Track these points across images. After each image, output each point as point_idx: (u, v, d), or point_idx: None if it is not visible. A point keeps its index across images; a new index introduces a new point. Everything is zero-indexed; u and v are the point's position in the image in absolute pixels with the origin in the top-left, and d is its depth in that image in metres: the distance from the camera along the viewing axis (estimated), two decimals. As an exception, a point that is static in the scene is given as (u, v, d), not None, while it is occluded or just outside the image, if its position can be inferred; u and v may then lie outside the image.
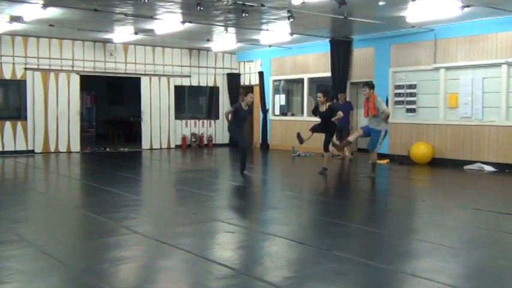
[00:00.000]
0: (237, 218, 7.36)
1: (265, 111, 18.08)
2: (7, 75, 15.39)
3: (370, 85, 10.52)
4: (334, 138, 11.73)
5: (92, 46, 16.59)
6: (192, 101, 19.35)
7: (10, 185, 10.59)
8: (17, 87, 15.76)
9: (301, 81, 17.25)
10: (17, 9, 11.53)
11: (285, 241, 5.80)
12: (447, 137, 12.93)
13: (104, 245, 5.69)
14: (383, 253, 5.43)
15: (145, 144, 17.66)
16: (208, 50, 18.38)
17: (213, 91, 19.27)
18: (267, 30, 13.53)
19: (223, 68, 19.25)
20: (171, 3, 10.77)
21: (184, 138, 18.44)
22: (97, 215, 7.08)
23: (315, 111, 11.39)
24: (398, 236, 6.20)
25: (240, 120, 10.75)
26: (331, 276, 4.66)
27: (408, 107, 13.80)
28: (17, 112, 15.97)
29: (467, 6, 10.42)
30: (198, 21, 12.26)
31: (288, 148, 16.48)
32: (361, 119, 14.17)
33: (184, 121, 18.61)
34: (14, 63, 15.43)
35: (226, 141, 18.53)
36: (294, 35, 14.29)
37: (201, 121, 19.02)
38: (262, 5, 10.50)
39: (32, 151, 15.66)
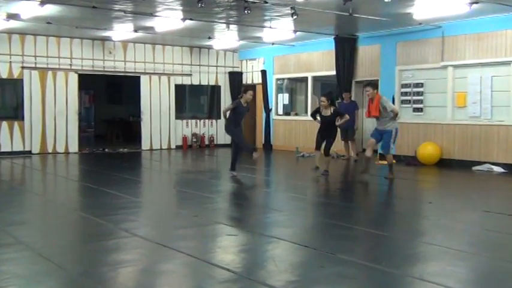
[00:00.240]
0: (239, 221, 7.36)
1: (268, 110, 18.08)
2: (4, 74, 15.42)
3: (373, 85, 10.50)
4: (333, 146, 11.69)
5: (90, 44, 16.61)
6: (193, 100, 19.36)
7: (7, 187, 10.60)
8: (14, 86, 15.79)
9: (305, 80, 17.24)
10: (14, 7, 11.56)
11: (289, 244, 5.80)
12: (455, 137, 12.91)
13: (102, 248, 5.69)
14: (390, 256, 5.41)
15: (145, 144, 17.68)
16: (209, 47, 18.39)
17: (215, 90, 19.28)
18: (270, 27, 13.52)
19: (225, 67, 19.26)
20: (171, 0, 10.78)
21: (185, 138, 18.45)
22: (96, 217, 7.08)
23: (315, 115, 11.35)
24: (405, 239, 6.19)
25: (238, 117, 10.79)
26: (336, 280, 4.65)
27: (415, 106, 13.78)
28: (13, 112, 16.00)
29: (476, 2, 10.40)
30: (199, 18, 12.26)
31: (291, 149, 16.48)
32: (366, 119, 14.15)
33: (185, 121, 18.62)
34: (10, 62, 15.46)
35: (229, 141, 18.50)
36: (298, 33, 14.28)
37: (202, 121, 19.03)
38: (265, 2, 10.50)
39: (29, 152, 15.68)
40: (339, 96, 15.01)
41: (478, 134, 12.47)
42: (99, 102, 23.27)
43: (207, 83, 19.08)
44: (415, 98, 13.78)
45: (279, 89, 18.33)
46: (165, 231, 6.62)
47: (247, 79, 19.19)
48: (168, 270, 4.93)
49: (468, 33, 12.62)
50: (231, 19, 12.82)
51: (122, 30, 14.67)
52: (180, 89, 18.50)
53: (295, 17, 10.90)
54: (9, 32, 15.14)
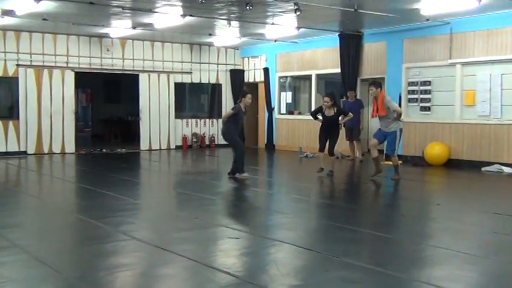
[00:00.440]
0: (240, 223, 7.36)
1: (270, 109, 18.09)
2: (-2, 72, 15.48)
3: (376, 84, 10.51)
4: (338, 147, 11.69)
5: (87, 41, 16.63)
6: (193, 99, 19.38)
7: (1, 188, 10.60)
8: (9, 84, 15.81)
9: (308, 78, 17.24)
10: (9, 3, 11.57)
11: (292, 247, 5.80)
12: (464, 137, 12.90)
13: (100, 251, 5.70)
14: (396, 260, 5.42)
15: (143, 144, 17.69)
16: (210, 45, 18.40)
17: (216, 88, 19.29)
18: (273, 23, 13.52)
19: (226, 64, 19.27)
20: (170, -4, 10.80)
21: (184, 138, 18.46)
22: (93, 219, 7.09)
23: (316, 115, 11.34)
24: (412, 242, 6.19)
25: (238, 123, 10.79)
26: (340, 285, 4.66)
27: (422, 105, 13.78)
28: (8, 111, 16.01)
29: (485, -3, 10.40)
30: (200, 14, 12.27)
31: (294, 149, 16.48)
32: (371, 118, 14.13)
33: (185, 120, 18.64)
34: (5, 60, 15.47)
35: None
36: (301, 29, 14.28)
37: (202, 120, 19.04)
38: (267, -3, 10.51)
39: (25, 152, 15.70)
40: (344, 94, 15.02)
41: (488, 133, 12.45)
42: (96, 101, 23.26)
43: (207, 81, 19.08)
44: (422, 96, 13.77)
45: (282, 88, 18.33)
46: (164, 234, 6.63)
47: (249, 77, 19.19)
48: (168, 275, 4.94)
49: (477, 30, 12.60)
50: (232, 15, 12.83)
51: (120, 27, 14.69)
52: (179, 87, 18.51)
53: (298, 13, 10.89)
54: (4, 29, 15.16)
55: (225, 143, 11.46)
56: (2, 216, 7.45)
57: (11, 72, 15.60)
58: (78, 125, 19.02)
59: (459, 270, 5.01)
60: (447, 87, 13.26)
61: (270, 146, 18.05)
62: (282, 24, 13.70)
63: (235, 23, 14.00)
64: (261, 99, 18.49)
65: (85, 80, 18.27)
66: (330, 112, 11.01)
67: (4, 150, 15.48)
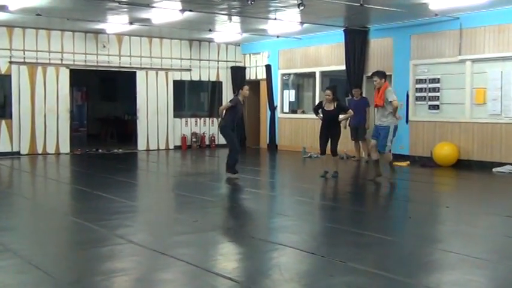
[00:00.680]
0: (242, 226, 7.36)
1: (273, 108, 18.09)
2: (-10, 70, 15.50)
3: (380, 74, 10.41)
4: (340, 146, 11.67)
5: (82, 37, 16.64)
6: (192, 97, 19.39)
7: (-6, 190, 10.63)
8: (1, 82, 15.83)
9: (312, 75, 17.24)
10: (1, -3, 11.60)
11: (295, 251, 5.80)
12: (474, 137, 12.89)
13: (96, 255, 5.70)
14: (403, 265, 5.42)
15: (141, 144, 17.70)
16: (210, 41, 18.41)
17: (216, 86, 19.30)
18: (275, 19, 13.53)
19: (226, 61, 19.28)
20: (169, -10, 10.81)
21: (184, 138, 18.47)
22: (88, 222, 7.09)
23: (317, 110, 11.31)
24: (420, 245, 6.19)
25: (236, 115, 10.89)
26: (346, 290, 4.65)
27: (431, 103, 13.76)
28: (1, 110, 16.04)
29: (497, -9, 10.39)
30: (199, 9, 12.27)
31: (298, 149, 16.48)
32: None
33: (184, 119, 18.64)
34: (-2, 57, 15.53)
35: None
36: (305, 25, 14.27)
37: (202, 119, 19.05)
38: (270, -8, 10.52)
39: (18, 153, 15.71)
40: (349, 92, 15.01)
41: (499, 133, 12.44)
42: (92, 99, 23.34)
43: (207, 79, 19.09)
44: (430, 94, 13.75)
45: (285, 85, 18.33)
46: (162, 237, 6.63)
47: (250, 74, 19.20)
48: (166, 279, 4.94)
49: (488, 25, 12.59)
50: (233, 10, 12.83)
51: (116, 23, 14.69)
52: (178, 85, 18.52)
53: (302, 7, 10.89)
54: (-4, 25, 15.21)
55: (225, 143, 11.47)
56: (-6, 219, 7.46)
57: (3, 70, 15.61)
58: (73, 124, 19.13)
59: (469, 276, 5.00)
60: (456, 85, 13.25)
61: (272, 146, 18.04)
62: (285, 19, 13.70)
63: (236, 18, 14.00)
64: (263, 97, 18.50)
65: (80, 78, 18.32)
66: (330, 106, 10.95)
67: (-4, 150, 15.51)
